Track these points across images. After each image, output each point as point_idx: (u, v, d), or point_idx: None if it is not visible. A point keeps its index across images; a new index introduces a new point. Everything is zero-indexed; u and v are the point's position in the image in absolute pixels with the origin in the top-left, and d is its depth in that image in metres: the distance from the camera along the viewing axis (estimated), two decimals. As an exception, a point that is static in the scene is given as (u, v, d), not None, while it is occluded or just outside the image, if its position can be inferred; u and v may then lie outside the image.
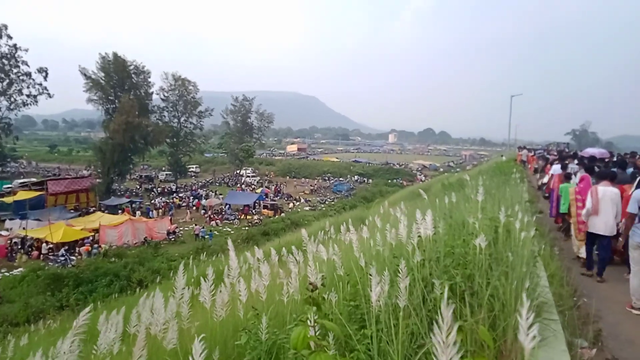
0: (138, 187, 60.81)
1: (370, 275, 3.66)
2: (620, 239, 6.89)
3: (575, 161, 13.55)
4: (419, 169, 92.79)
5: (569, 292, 4.87)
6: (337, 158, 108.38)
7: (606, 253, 7.32)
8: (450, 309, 1.23)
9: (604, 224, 7.31)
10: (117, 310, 4.83)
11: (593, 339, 4.13)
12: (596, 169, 9.22)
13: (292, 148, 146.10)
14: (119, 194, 51.92)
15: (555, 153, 25.77)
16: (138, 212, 40.34)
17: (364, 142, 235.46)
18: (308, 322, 1.95)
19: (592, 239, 7.63)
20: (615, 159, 14.75)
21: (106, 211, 39.55)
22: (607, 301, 5.61)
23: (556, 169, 13.21)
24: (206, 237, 33.84)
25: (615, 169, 8.80)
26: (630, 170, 9.69)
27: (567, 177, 10.45)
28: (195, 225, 37.32)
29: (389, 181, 72.57)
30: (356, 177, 77.82)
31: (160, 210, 44.22)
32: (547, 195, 15.25)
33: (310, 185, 66.80)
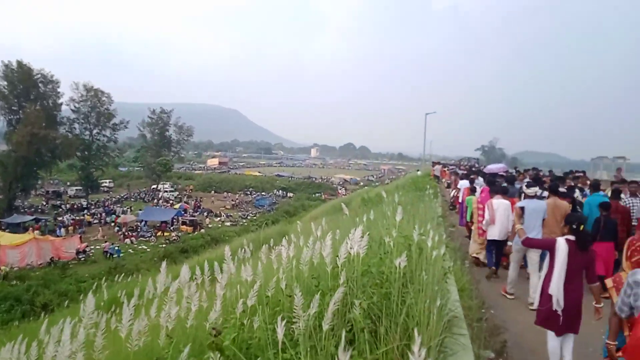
0: (44, 203, 56.52)
1: (289, 296, 3.68)
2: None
3: (480, 177, 14.71)
4: (341, 183, 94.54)
5: (478, 304, 5.18)
6: (259, 172, 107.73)
7: (500, 254, 8.89)
8: (348, 353, 1.27)
9: (498, 231, 8.41)
10: (14, 340, 4.42)
11: (499, 349, 4.41)
12: (497, 183, 10.24)
13: (213, 162, 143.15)
14: (22, 211, 47.92)
15: (464, 168, 27.57)
16: (36, 232, 37.39)
17: (286, 156, 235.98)
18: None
19: (494, 246, 8.70)
20: (508, 173, 16.61)
21: (7, 230, 36.36)
22: (512, 312, 6.02)
23: (463, 183, 14.54)
24: (114, 255, 32.42)
25: (505, 184, 10.09)
26: (517, 185, 11.11)
27: (472, 191, 11.70)
28: (106, 242, 35.35)
29: (312, 195, 73.29)
30: (279, 191, 77.78)
31: (70, 228, 41.38)
32: (452, 207, 17.08)
33: (232, 200, 65.75)
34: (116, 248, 33.57)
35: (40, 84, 51.83)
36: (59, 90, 54.12)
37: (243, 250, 7.30)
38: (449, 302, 3.87)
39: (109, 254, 32.64)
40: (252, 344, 3.05)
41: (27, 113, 47.03)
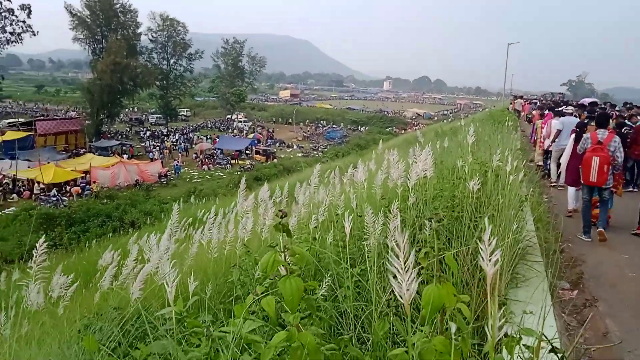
0: (128, 129, 60.24)
1: (360, 216, 3.72)
2: None
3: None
4: (413, 117, 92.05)
5: (555, 236, 4.97)
6: (330, 105, 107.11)
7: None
8: (405, 234, 1.26)
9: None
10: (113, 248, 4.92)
11: (575, 281, 4.26)
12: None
13: (284, 94, 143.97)
14: (109, 136, 51.53)
15: (546, 102, 26.01)
16: (126, 155, 40.53)
17: (358, 89, 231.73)
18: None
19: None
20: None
21: (97, 153, 39.51)
22: (590, 245, 5.68)
23: (536, 112, 17.18)
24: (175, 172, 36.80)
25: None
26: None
27: (541, 116, 13.78)
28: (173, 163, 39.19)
29: (383, 129, 72.12)
30: (349, 124, 77.26)
31: (165, 152, 44.97)
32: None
33: (304, 132, 66.40)
34: (179, 166, 38.17)
35: (120, 14, 53.30)
36: (137, 20, 55.46)
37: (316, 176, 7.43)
38: (524, 230, 3.74)
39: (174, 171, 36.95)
40: (323, 257, 3.16)
41: (110, 42, 48.85)
